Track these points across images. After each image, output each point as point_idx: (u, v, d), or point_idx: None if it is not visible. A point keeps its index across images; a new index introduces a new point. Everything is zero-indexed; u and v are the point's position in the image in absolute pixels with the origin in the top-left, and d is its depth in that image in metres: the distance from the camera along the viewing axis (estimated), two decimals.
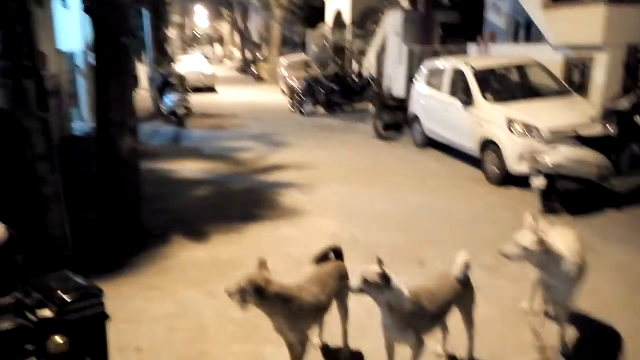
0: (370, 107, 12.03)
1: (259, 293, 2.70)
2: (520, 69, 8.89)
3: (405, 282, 2.84)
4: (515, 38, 12.51)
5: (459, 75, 8.72)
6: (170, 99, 12.93)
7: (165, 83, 14.07)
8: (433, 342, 3.31)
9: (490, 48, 11.50)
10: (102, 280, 3.98)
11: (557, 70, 9.09)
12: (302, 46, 28.05)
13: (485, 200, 6.83)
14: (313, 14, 25.42)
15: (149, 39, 15.61)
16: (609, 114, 6.77)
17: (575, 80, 9.27)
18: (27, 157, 4.05)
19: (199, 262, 4.96)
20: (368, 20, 19.75)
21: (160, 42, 16.79)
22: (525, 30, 12.29)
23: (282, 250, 5.11)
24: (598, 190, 6.30)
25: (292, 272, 3.98)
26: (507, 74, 9.09)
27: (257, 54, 34.26)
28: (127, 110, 5.43)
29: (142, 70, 19.13)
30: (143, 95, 16.79)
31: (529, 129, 7.10)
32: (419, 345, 2.86)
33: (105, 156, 5.39)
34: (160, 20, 16.60)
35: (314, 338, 3.47)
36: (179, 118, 12.71)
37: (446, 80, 9.09)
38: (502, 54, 10.66)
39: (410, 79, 12.76)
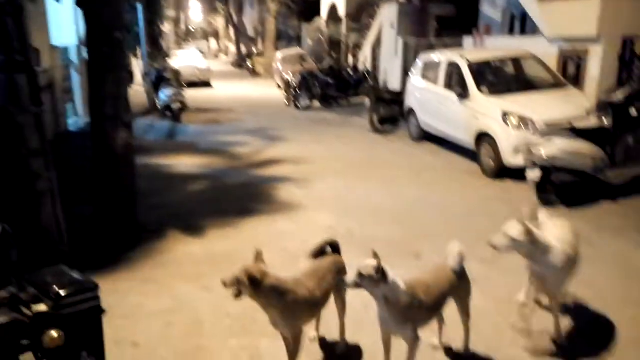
0: (366, 100, 12.03)
1: (254, 285, 2.70)
2: (516, 61, 8.89)
3: (401, 275, 2.85)
4: (510, 31, 12.50)
5: (454, 69, 8.72)
6: (165, 94, 12.89)
7: (160, 78, 14.02)
8: (429, 333, 3.32)
9: (485, 41, 11.49)
10: (99, 275, 3.99)
11: (553, 62, 9.10)
12: (297, 40, 27.99)
13: (481, 193, 6.84)
14: (308, 8, 25.36)
15: (144, 33, 15.54)
16: (603, 107, 6.77)
17: (570, 72, 9.28)
18: (21, 153, 4.03)
19: (195, 257, 4.96)
20: (363, 14, 19.72)
21: (155, 37, 16.77)
22: (520, 23, 12.28)
23: (278, 245, 5.11)
24: (593, 182, 6.32)
25: (289, 266, 3.98)
26: (502, 67, 9.09)
27: (252, 48, 34.19)
28: (122, 106, 5.41)
29: (137, 66, 19.06)
30: (138, 91, 16.74)
31: (524, 122, 7.11)
32: (415, 339, 2.87)
33: (100, 151, 5.37)
34: (154, 15, 16.56)
35: (312, 331, 3.48)
36: (174, 113, 12.67)
37: (442, 74, 9.08)
38: (497, 47, 10.65)
39: (406, 73, 12.76)
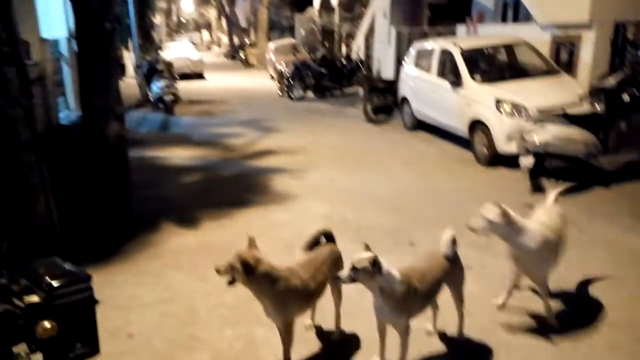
0: (360, 90, 12.00)
1: (248, 271, 2.70)
2: (509, 49, 8.88)
3: (394, 262, 2.86)
4: (503, 18, 12.48)
5: (447, 57, 8.70)
6: (157, 86, 12.81)
7: (152, 70, 13.93)
8: (423, 319, 3.34)
9: (478, 29, 11.47)
10: (93, 267, 3.98)
11: (545, 49, 9.10)
12: (290, 30, 27.87)
13: (475, 181, 6.86)
14: None
15: (135, 25, 15.40)
16: (596, 92, 6.78)
17: (563, 59, 9.28)
18: (12, 146, 4.00)
19: (189, 248, 4.96)
20: (356, 3, 19.64)
21: (146, 28, 16.63)
22: (513, 10, 12.26)
23: (273, 234, 5.11)
24: (586, 168, 6.35)
25: (284, 255, 4.00)
26: (495, 54, 9.09)
27: (244, 39, 33.99)
28: (113, 97, 5.37)
29: (129, 58, 18.92)
30: (130, 83, 16.64)
31: (517, 109, 7.11)
32: (407, 328, 2.89)
33: (92, 144, 5.34)
34: (145, 7, 16.41)
35: (307, 320, 3.49)
36: (166, 105, 12.60)
37: (435, 62, 9.06)
38: (490, 35, 10.64)
39: (399, 61, 12.73)
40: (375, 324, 3.01)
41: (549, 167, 6.21)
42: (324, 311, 3.52)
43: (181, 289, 4.16)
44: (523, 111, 7.04)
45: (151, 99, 13.28)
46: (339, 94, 15.36)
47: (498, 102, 7.30)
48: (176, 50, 22.93)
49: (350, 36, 19.28)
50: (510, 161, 6.91)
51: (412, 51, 10.17)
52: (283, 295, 2.84)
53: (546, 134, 6.04)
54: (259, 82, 20.27)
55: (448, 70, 8.59)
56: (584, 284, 4.01)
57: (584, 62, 8.83)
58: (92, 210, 5.34)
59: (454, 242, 3.13)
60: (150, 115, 12.68)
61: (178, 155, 8.73)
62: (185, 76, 20.22)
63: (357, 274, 2.69)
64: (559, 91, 7.52)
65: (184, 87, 16.08)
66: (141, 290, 4.13)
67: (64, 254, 2.98)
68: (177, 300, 3.99)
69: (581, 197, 5.98)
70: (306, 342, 3.37)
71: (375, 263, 2.68)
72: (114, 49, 5.68)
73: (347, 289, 3.40)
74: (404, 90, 10.26)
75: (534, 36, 9.13)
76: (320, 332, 3.50)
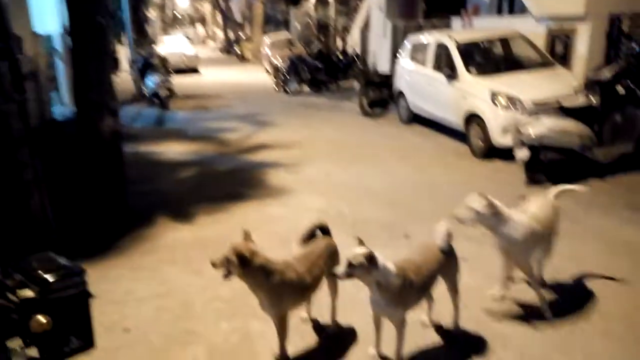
0: (356, 84, 11.98)
1: (243, 263, 2.69)
2: (504, 41, 8.87)
3: (390, 256, 2.86)
4: (499, 11, 12.46)
5: (442, 50, 8.69)
6: (152, 81, 12.74)
7: (146, 65, 13.85)
8: (419, 311, 3.35)
9: (474, 21, 11.45)
10: (89, 262, 3.98)
11: (541, 42, 9.09)
12: (285, 24, 27.76)
13: (470, 174, 6.87)
14: None
15: (129, 20, 15.32)
16: (591, 85, 6.79)
17: (558, 51, 9.27)
18: (6, 142, 3.98)
19: (185, 242, 4.96)
20: None
21: (141, 23, 16.54)
22: (508, 2, 12.24)
23: (269, 229, 5.11)
24: (581, 160, 6.36)
25: (280, 249, 3.99)
26: (490, 47, 9.07)
27: (240, 33, 33.84)
28: (107, 92, 5.35)
29: (123, 52, 18.82)
30: (124, 78, 16.55)
31: (512, 102, 7.12)
32: (403, 321, 2.89)
33: (87, 139, 5.32)
34: (139, 1, 16.29)
35: (303, 313, 3.50)
36: (161, 100, 12.54)
37: (430, 55, 9.05)
38: (485, 27, 10.62)
39: (394, 55, 12.70)
40: (371, 316, 3.02)
41: (544, 160, 6.22)
42: (320, 304, 3.53)
43: (177, 283, 4.16)
44: (518, 104, 7.04)
45: (146, 94, 13.21)
46: (334, 88, 15.32)
47: (493, 95, 7.30)
48: (171, 45, 22.81)
49: (346, 30, 19.23)
50: (506, 154, 6.92)
51: (408, 44, 10.15)
52: (278, 288, 2.84)
53: (541, 127, 6.04)
54: (255, 76, 20.21)
55: (443, 63, 8.58)
56: (580, 275, 4.03)
57: (579, 55, 8.83)
58: (87, 205, 5.32)
59: (449, 234, 3.14)
60: (145, 110, 12.63)
61: (173, 150, 8.70)
62: (180, 71, 20.13)
63: (353, 270, 2.69)
64: (554, 84, 7.52)
65: (179, 81, 16.02)
66: (137, 285, 4.13)
67: (58, 249, 2.97)
68: (173, 294, 3.98)
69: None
70: (302, 335, 3.38)
71: (371, 258, 2.68)
72: (107, 43, 5.65)
73: (343, 282, 3.40)
74: (399, 83, 10.24)
75: (530, 29, 9.12)
76: (316, 325, 3.51)
